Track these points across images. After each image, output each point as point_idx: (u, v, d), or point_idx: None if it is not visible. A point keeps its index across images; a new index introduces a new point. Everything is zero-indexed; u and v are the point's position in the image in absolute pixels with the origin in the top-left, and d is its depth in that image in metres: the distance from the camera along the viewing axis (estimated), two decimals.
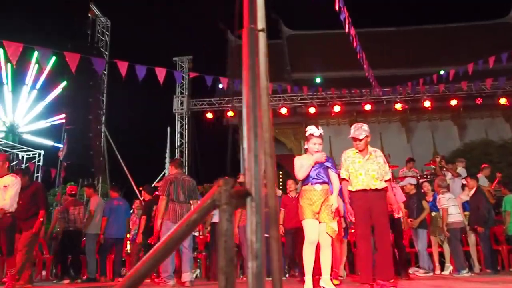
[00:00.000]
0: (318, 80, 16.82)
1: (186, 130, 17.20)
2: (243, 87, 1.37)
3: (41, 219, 5.99)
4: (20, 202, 5.54)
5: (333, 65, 18.69)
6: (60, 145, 15.52)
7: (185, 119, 17.33)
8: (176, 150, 17.07)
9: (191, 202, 5.81)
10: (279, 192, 8.26)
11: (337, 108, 14.66)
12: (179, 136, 17.28)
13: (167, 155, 17.33)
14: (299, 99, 15.70)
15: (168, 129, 17.36)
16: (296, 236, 6.98)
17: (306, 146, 4.57)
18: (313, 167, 4.42)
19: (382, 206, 4.54)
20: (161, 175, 16.59)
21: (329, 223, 4.34)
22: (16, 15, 25.35)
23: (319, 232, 4.34)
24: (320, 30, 22.10)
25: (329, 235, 4.34)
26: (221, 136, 19.96)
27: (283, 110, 15.22)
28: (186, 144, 17.11)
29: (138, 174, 16.77)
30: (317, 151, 4.45)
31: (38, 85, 15.90)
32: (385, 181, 4.58)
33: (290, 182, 7.65)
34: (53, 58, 13.83)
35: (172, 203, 5.50)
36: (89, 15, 15.24)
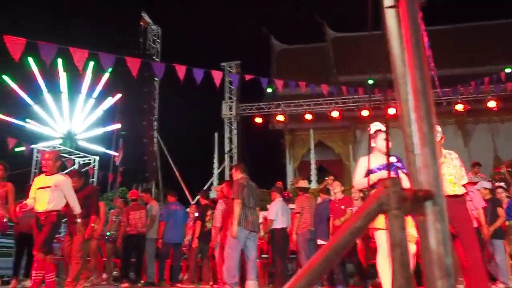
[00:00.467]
0: (370, 81, 16.28)
1: (235, 135, 17.18)
2: (407, 68, 1.16)
3: (92, 225, 5.91)
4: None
5: (384, 67, 18.09)
6: (111, 152, 15.92)
7: (234, 124, 17.32)
8: (225, 155, 17.07)
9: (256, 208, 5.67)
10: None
11: (392, 111, 14.05)
12: (228, 141, 17.28)
13: (215, 160, 17.40)
14: (351, 101, 15.27)
15: (216, 134, 17.43)
16: None
17: (373, 144, 4.26)
18: (383, 167, 4.10)
19: (465, 213, 4.22)
20: (210, 180, 16.65)
21: (407, 229, 4.02)
22: (69, 26, 26.41)
23: None
24: (366, 32, 21.53)
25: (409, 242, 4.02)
26: (271, 141, 19.84)
27: (335, 114, 14.85)
28: (235, 149, 17.08)
29: (186, 179, 16.93)
30: (387, 148, 4.14)
31: (95, 94, 16.41)
32: (462, 185, 4.25)
33: (335, 184, 7.27)
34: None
35: (244, 208, 5.35)
36: (141, 23, 15.63)
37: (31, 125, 15.73)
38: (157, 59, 15.38)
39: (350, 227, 1.05)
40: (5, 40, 5.73)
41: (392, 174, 3.80)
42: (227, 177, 15.75)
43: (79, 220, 5.30)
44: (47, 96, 16.39)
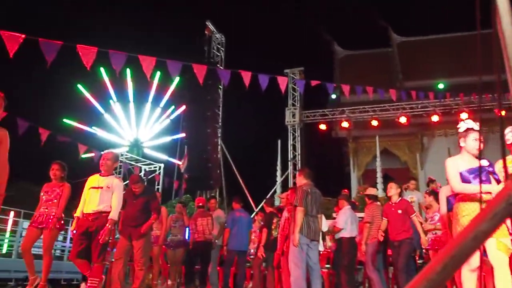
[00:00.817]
0: (441, 85, 15.44)
1: (299, 142, 17.00)
2: None
3: (152, 221, 5.74)
4: (131, 209, 5.43)
5: (453, 71, 17.21)
6: (174, 160, 16.30)
7: (297, 131, 17.16)
8: (289, 162, 16.92)
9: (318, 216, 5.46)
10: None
11: (464, 116, 13.25)
12: (291, 148, 17.13)
13: (278, 167, 17.31)
14: (419, 107, 14.57)
15: (279, 142, 17.37)
16: (400, 249, 6.20)
17: (462, 144, 3.87)
18: (473, 171, 3.72)
19: None
20: (274, 188, 16.56)
21: (499, 238, 3.58)
22: (135, 37, 27.66)
23: (487, 250, 3.62)
24: (434, 35, 20.78)
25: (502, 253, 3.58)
26: (334, 148, 19.47)
27: (403, 119, 14.27)
28: (299, 156, 16.89)
29: (250, 186, 16.94)
30: (479, 149, 3.77)
31: (161, 104, 17.01)
32: None
33: (390, 185, 6.60)
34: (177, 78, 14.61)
35: (306, 216, 5.17)
36: (206, 32, 15.98)
37: (100, 133, 16.54)
38: (221, 67, 15.60)
39: (473, 230, 0.87)
40: (78, 49, 5.93)
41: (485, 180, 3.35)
42: (290, 185, 15.59)
43: (109, 226, 4.99)
44: (115, 105, 17.20)
